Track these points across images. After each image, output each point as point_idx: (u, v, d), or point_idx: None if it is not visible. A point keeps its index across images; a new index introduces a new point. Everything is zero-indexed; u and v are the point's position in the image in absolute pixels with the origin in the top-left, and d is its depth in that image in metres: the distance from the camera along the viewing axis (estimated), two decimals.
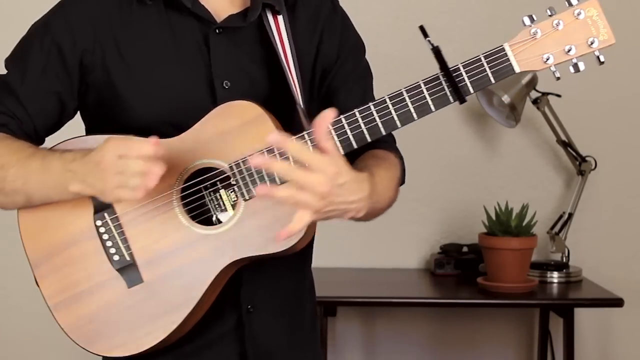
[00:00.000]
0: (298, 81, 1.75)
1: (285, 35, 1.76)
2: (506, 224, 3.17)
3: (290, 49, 1.75)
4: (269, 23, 1.76)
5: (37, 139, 1.75)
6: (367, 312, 3.57)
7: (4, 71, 1.77)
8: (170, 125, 1.69)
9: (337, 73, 1.83)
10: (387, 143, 1.80)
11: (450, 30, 3.50)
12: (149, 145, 1.56)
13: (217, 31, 1.74)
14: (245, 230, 1.66)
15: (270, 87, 1.77)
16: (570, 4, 1.59)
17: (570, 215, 3.42)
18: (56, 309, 1.71)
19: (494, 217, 3.20)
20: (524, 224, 3.18)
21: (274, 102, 1.73)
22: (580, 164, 3.42)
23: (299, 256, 1.73)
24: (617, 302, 3.12)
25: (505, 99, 3.25)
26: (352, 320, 3.57)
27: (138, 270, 1.68)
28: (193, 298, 1.67)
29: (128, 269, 1.69)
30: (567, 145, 3.41)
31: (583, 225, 3.51)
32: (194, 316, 1.69)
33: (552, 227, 3.44)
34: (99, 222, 1.69)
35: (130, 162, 1.56)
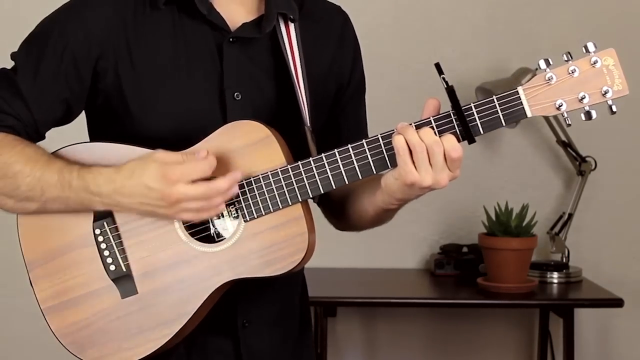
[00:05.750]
0: (306, 98, 1.74)
1: (296, 47, 1.75)
2: (506, 224, 3.16)
3: (300, 62, 1.74)
4: (281, 33, 1.75)
5: (38, 139, 1.74)
6: (367, 312, 3.57)
7: (6, 63, 1.74)
8: (178, 135, 1.68)
9: (345, 92, 1.84)
10: None
11: (450, 30, 3.50)
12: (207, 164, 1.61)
13: (230, 40, 1.72)
14: (243, 251, 1.65)
15: (279, 101, 1.76)
16: (587, 51, 1.57)
17: (570, 215, 3.42)
18: (49, 313, 1.71)
19: (494, 217, 3.20)
20: (524, 224, 3.17)
21: (281, 116, 1.73)
22: (580, 164, 3.42)
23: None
24: (617, 302, 3.12)
25: None
26: (352, 320, 3.57)
27: (133, 282, 1.68)
28: (186, 314, 1.66)
29: (123, 280, 1.68)
30: (567, 145, 3.41)
31: (583, 225, 3.51)
32: (186, 330, 1.69)
33: (552, 228, 3.44)
34: (97, 231, 1.68)
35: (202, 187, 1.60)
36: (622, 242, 3.56)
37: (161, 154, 1.61)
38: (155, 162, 1.60)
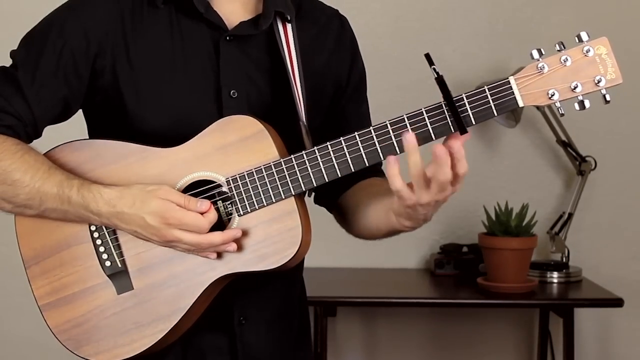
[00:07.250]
0: (302, 96, 1.74)
1: (293, 45, 1.75)
2: (506, 224, 3.16)
3: (297, 60, 1.75)
4: (279, 32, 1.75)
5: (35, 137, 1.75)
6: (367, 312, 3.57)
7: (7, 61, 1.74)
8: (175, 133, 1.68)
9: (344, 93, 1.84)
10: (379, 172, 1.82)
11: (450, 30, 3.50)
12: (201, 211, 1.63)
13: (227, 38, 1.73)
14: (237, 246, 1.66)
15: (275, 98, 1.76)
16: (580, 40, 1.56)
17: (570, 215, 3.42)
18: (46, 310, 1.71)
19: (494, 217, 3.20)
20: (524, 224, 3.17)
21: (277, 114, 1.73)
22: (580, 164, 3.42)
23: (293, 267, 1.71)
24: (617, 302, 3.12)
25: None
26: (352, 320, 3.57)
27: (129, 278, 1.68)
28: (181, 309, 1.67)
29: (119, 276, 1.69)
30: (567, 145, 3.41)
31: (583, 225, 3.51)
32: (182, 326, 1.69)
33: (552, 227, 3.44)
34: (93, 227, 1.69)
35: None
36: (622, 242, 3.56)
37: (164, 192, 1.63)
38: (157, 200, 1.62)
